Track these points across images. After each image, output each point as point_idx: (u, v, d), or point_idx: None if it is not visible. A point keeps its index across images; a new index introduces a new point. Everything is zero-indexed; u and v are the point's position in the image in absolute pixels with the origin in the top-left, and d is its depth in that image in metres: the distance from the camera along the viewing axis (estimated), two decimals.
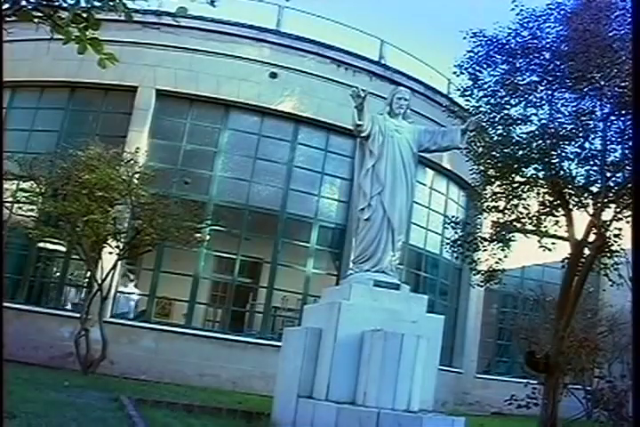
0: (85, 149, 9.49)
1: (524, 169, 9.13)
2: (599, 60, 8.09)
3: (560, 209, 9.18)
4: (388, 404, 5.53)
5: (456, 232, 10.39)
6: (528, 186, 9.39)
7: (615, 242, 9.03)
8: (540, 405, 8.93)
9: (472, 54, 9.18)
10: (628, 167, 8.22)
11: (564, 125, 8.76)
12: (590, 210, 8.80)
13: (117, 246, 9.78)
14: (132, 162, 9.89)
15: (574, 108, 8.83)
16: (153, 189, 10.02)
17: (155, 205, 9.59)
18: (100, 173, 9.14)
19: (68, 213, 9.22)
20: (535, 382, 9.89)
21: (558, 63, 8.60)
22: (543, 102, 8.97)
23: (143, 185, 9.69)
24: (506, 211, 9.57)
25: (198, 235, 10.58)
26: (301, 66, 12.69)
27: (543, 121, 8.96)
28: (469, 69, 9.24)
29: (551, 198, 9.28)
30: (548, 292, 12.17)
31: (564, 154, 8.83)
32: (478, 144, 9.28)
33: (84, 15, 3.79)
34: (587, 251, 8.96)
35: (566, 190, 8.96)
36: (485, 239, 9.84)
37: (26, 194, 9.96)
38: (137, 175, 9.73)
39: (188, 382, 10.16)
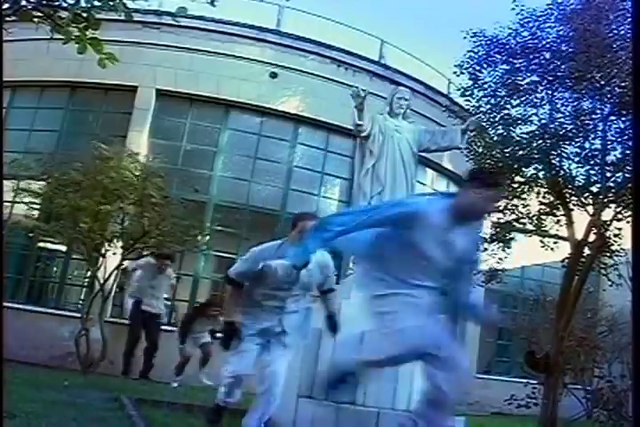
0: (99, 148, 9.43)
1: (524, 169, 9.14)
2: (599, 60, 8.10)
3: (560, 209, 9.19)
4: (388, 404, 5.53)
5: None
6: (528, 186, 9.40)
7: (615, 242, 9.04)
8: (539, 405, 8.94)
9: (472, 54, 9.20)
10: (628, 167, 8.23)
11: (564, 125, 8.77)
12: (590, 210, 8.81)
13: (122, 246, 9.76)
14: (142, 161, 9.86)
15: (574, 108, 8.84)
16: (159, 189, 9.96)
17: (163, 206, 9.54)
18: (112, 171, 9.11)
19: (77, 208, 9.10)
20: (535, 381, 9.90)
21: (558, 63, 8.61)
22: (543, 102, 8.98)
23: (153, 185, 9.61)
24: (506, 211, 9.58)
25: (207, 237, 10.56)
26: (302, 66, 12.67)
27: (543, 121, 8.97)
28: (469, 69, 9.26)
29: (551, 198, 9.29)
30: (548, 292, 12.16)
31: (564, 154, 8.84)
32: (478, 144, 9.29)
33: (84, 15, 3.81)
34: (587, 251, 8.98)
35: (566, 190, 8.97)
36: (485, 239, 9.84)
37: (25, 194, 9.92)
38: (146, 175, 9.67)
39: (188, 382, 10.15)
